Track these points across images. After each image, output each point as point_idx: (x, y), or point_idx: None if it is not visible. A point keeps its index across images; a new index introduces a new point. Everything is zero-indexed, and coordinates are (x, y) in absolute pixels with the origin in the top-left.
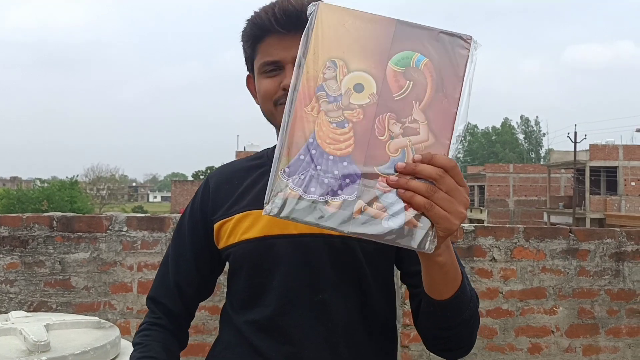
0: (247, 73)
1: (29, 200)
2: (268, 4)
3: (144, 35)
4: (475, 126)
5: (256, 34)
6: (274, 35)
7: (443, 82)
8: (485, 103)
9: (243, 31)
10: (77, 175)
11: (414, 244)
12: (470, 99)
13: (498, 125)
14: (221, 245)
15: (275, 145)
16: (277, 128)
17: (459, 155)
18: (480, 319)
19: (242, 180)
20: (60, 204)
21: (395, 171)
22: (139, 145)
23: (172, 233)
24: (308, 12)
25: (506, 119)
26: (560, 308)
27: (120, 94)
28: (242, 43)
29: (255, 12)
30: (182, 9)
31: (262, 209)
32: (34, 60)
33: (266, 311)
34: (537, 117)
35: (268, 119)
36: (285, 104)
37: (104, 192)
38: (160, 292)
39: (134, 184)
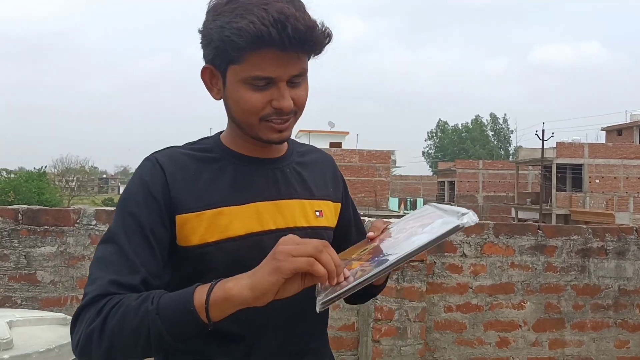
0: (206, 65)
1: None
2: (275, 14)
3: (112, 27)
4: (446, 123)
5: (253, 43)
6: (273, 50)
7: None
8: (455, 101)
9: (232, 34)
10: (46, 167)
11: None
12: None
13: (469, 122)
14: (194, 242)
15: (221, 132)
16: (252, 138)
17: (430, 151)
18: (451, 313)
19: (199, 173)
20: (27, 196)
21: None
22: (110, 137)
23: None
24: None
25: (477, 116)
26: (528, 303)
27: (89, 85)
28: (222, 42)
29: (258, 20)
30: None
31: (235, 205)
32: None
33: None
34: (504, 114)
35: (244, 128)
36: (273, 122)
37: (73, 183)
38: (125, 276)
39: (104, 176)
